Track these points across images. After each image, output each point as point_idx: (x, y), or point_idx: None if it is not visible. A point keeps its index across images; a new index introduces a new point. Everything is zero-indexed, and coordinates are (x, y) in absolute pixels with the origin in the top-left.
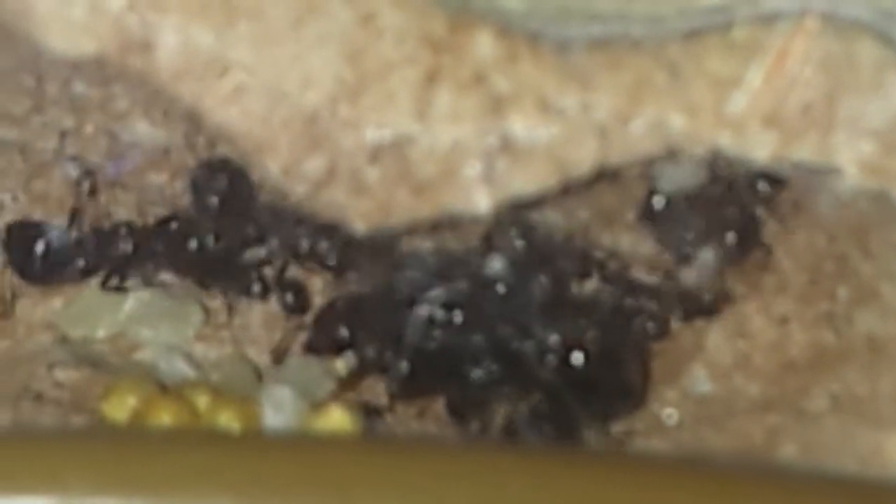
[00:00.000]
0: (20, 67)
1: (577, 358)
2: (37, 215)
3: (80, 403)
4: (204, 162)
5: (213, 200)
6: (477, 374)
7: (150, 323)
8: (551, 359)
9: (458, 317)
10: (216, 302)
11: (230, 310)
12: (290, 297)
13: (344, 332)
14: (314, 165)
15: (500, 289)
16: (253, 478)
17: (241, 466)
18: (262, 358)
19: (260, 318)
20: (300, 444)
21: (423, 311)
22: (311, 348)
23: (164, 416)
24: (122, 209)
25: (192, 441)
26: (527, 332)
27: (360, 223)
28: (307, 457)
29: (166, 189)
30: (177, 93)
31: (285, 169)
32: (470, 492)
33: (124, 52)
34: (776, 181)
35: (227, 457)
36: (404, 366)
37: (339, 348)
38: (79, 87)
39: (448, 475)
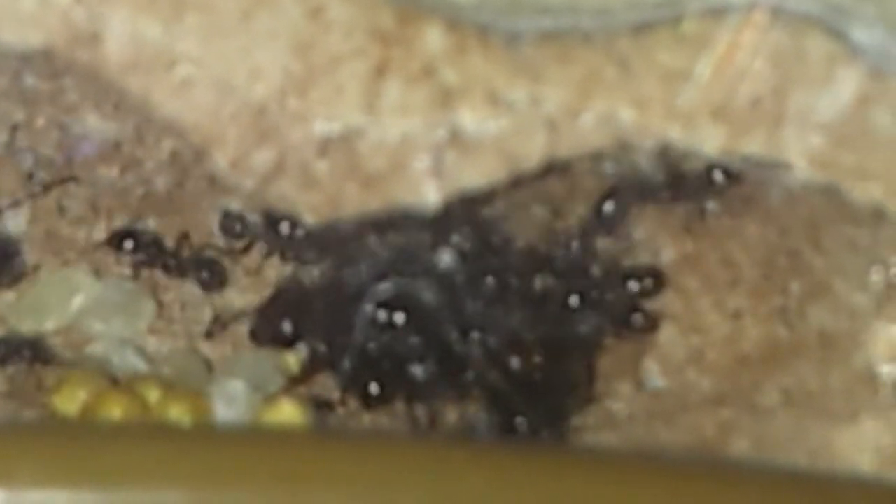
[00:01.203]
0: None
1: (515, 363)
2: None
3: (30, 397)
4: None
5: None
6: (421, 371)
7: (102, 316)
8: (496, 357)
9: (399, 318)
10: (169, 295)
11: (183, 303)
12: (205, 275)
13: (287, 326)
14: (263, 158)
15: (449, 284)
16: (204, 470)
17: (193, 459)
18: (214, 352)
19: (212, 311)
20: (252, 437)
21: (369, 307)
22: (254, 338)
23: (115, 410)
24: (74, 202)
25: (142, 433)
26: (473, 330)
27: (309, 216)
28: (259, 450)
29: (117, 182)
30: (125, 86)
31: (234, 162)
32: (423, 485)
33: (72, 44)
34: (730, 174)
35: (179, 449)
36: (349, 363)
37: (282, 341)
38: (29, 80)
39: (401, 468)
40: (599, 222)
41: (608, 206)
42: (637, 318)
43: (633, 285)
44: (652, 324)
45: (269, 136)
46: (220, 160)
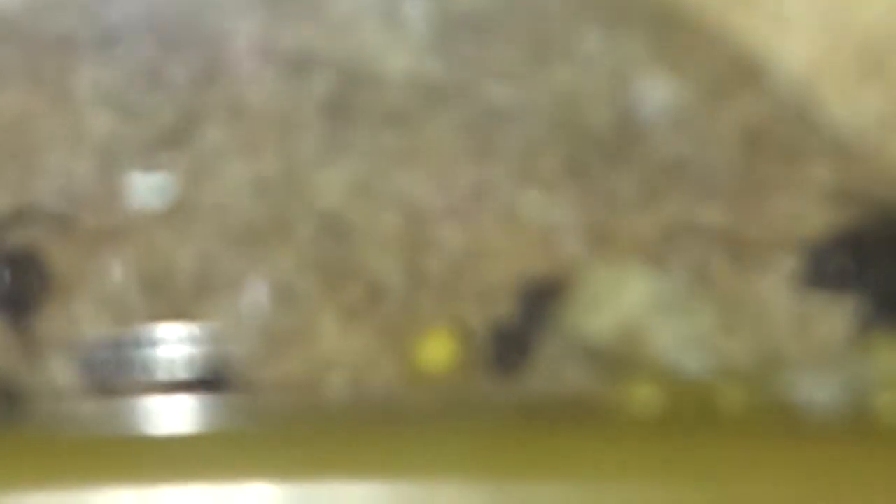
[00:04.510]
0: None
1: None
2: (533, 198)
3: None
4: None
5: None
6: None
7: (663, 315)
8: None
9: None
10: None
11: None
12: None
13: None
14: (874, 100)
15: None
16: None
17: None
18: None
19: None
20: None
21: None
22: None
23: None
24: (626, 185)
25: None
26: None
27: None
28: None
29: (676, 160)
30: (702, 19)
31: (843, 102)
32: None
33: None
34: None
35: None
36: None
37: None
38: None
39: None
40: None
41: None
42: None
43: None
44: None
45: (880, 71)
46: (827, 100)
